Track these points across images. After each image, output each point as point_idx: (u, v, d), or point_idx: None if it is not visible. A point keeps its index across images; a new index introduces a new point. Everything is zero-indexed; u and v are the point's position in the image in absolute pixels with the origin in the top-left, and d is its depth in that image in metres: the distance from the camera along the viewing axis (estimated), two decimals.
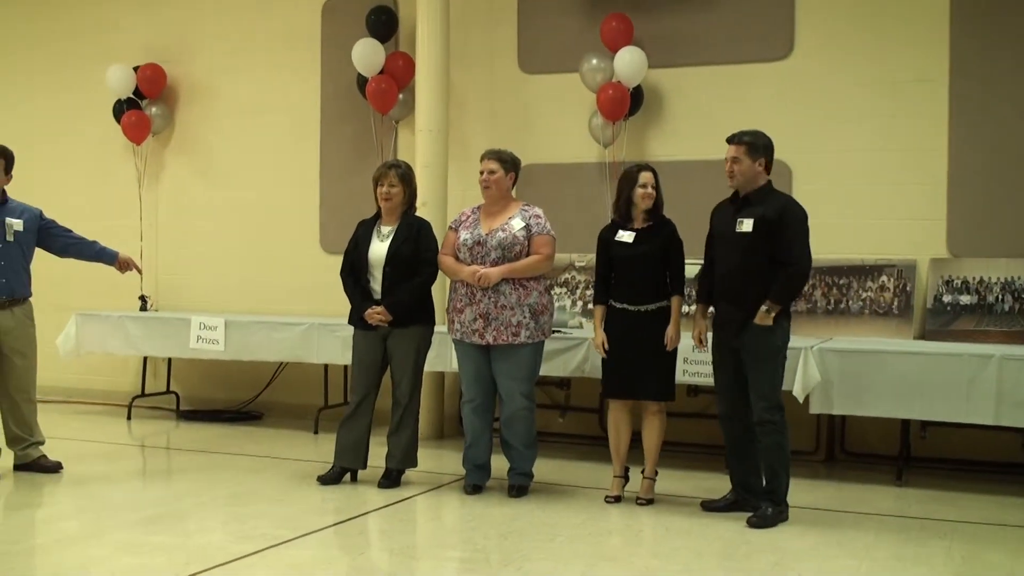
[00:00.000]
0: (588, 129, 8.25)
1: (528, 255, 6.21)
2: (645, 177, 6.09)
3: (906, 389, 6.43)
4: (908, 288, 7.44)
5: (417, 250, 6.34)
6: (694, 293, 6.38)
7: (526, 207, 6.36)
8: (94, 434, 8.46)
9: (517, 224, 6.24)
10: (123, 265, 7.03)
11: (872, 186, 7.67)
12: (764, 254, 5.64)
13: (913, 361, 6.47)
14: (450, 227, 6.52)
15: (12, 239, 6.64)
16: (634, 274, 6.08)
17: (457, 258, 6.32)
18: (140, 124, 9.69)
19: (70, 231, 6.98)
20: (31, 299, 6.80)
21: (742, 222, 5.70)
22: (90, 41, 10.14)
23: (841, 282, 7.60)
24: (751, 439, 5.85)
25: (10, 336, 6.64)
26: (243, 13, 9.67)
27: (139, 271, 7.34)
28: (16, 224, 6.67)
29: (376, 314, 6.30)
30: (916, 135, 7.57)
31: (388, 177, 6.42)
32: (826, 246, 7.09)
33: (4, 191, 6.72)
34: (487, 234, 6.25)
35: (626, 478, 6.26)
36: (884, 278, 7.52)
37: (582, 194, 8.19)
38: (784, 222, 5.64)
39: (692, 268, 6.40)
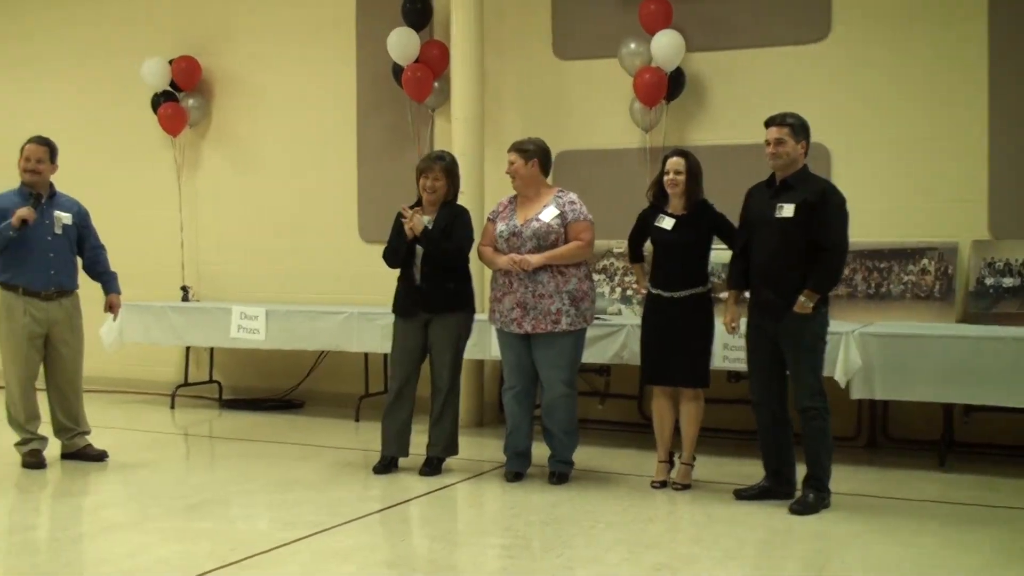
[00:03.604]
0: (629, 114, 8.21)
1: (565, 242, 6.20)
2: (670, 163, 6.09)
3: (948, 373, 6.37)
4: (950, 271, 7.37)
5: (451, 238, 6.34)
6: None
7: (560, 194, 6.34)
8: (138, 423, 8.56)
9: (551, 212, 6.23)
10: (110, 304, 7.07)
11: (912, 168, 7.59)
12: (804, 239, 5.59)
13: (955, 345, 6.41)
14: (488, 219, 6.53)
15: (61, 232, 6.72)
16: (670, 260, 6.09)
17: (496, 249, 6.34)
18: (177, 116, 9.76)
19: (100, 243, 7.05)
20: (78, 291, 6.87)
21: (782, 207, 5.65)
22: (126, 34, 10.20)
23: (882, 266, 7.54)
24: (783, 425, 5.83)
25: (58, 327, 6.72)
26: (277, 3, 9.69)
27: (114, 318, 7.56)
28: (65, 217, 6.75)
29: (415, 216, 6.27)
30: (956, 116, 7.48)
31: (433, 171, 6.41)
32: (866, 229, 7.03)
33: (52, 184, 6.79)
34: (522, 224, 6.24)
35: (671, 464, 6.27)
36: (925, 261, 7.45)
37: (621, 180, 8.15)
38: (824, 206, 5.59)
39: (724, 254, 6.36)
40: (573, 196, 6.34)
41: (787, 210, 5.62)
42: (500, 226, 6.33)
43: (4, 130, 9.27)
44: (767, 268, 5.72)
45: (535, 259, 6.12)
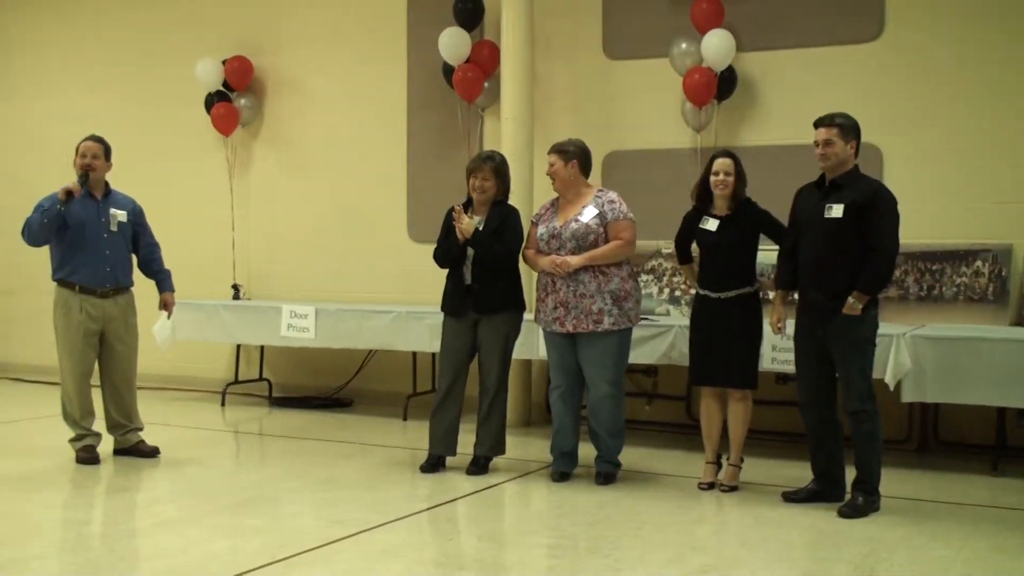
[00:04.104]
0: (681, 114, 8.19)
1: (606, 242, 6.19)
2: (719, 164, 6.07)
3: (1002, 377, 6.27)
4: (1003, 273, 7.27)
5: (502, 239, 6.36)
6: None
7: (600, 193, 6.33)
8: (189, 420, 8.65)
9: (590, 213, 6.22)
10: (164, 303, 7.13)
11: (966, 169, 7.50)
12: (853, 240, 5.54)
13: (1009, 348, 6.32)
14: (532, 222, 6.54)
15: (116, 229, 6.80)
16: (716, 261, 6.07)
17: (538, 252, 6.34)
18: (229, 116, 9.86)
19: (154, 240, 7.12)
20: (133, 288, 6.96)
21: (831, 207, 5.60)
22: (180, 35, 10.34)
23: (934, 268, 7.45)
24: (832, 428, 5.79)
25: (114, 324, 6.80)
26: (329, 4, 9.76)
27: (168, 316, 7.50)
28: (120, 215, 6.84)
29: (465, 219, 6.30)
30: (1010, 116, 7.38)
31: (483, 171, 6.43)
32: (919, 231, 6.97)
33: (107, 183, 6.89)
34: (561, 226, 6.25)
35: (719, 465, 6.25)
36: (979, 263, 7.36)
37: (671, 180, 8.12)
38: (875, 207, 5.53)
39: (770, 255, 6.31)
40: (613, 195, 6.33)
41: (836, 211, 5.57)
42: (541, 229, 6.34)
43: (63, 132, 9.39)
44: (815, 269, 5.67)
45: (575, 260, 6.12)
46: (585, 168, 6.38)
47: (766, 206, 6.10)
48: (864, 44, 7.80)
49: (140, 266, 7.09)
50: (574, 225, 6.20)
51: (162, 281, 7.13)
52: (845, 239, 5.55)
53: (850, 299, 5.50)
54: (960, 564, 4.82)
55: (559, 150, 6.34)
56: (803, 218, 5.78)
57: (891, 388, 6.44)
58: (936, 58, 7.61)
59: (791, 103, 7.92)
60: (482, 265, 6.35)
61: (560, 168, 6.31)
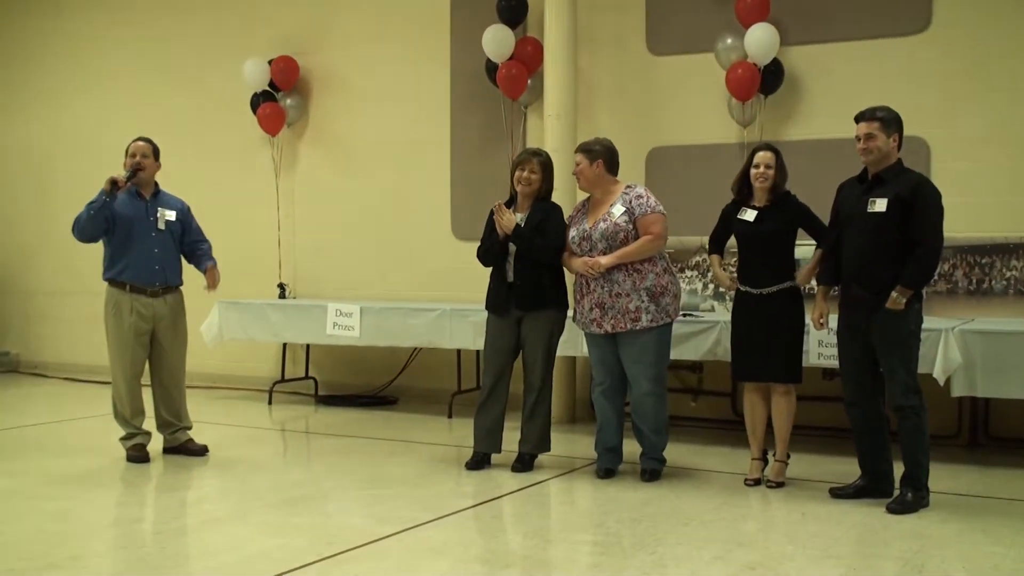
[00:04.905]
0: (727, 109, 8.15)
1: (637, 238, 6.16)
2: (760, 157, 6.05)
3: None
4: None
5: (544, 235, 6.36)
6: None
7: (628, 189, 6.29)
8: (237, 418, 8.73)
9: (618, 211, 6.18)
10: (210, 275, 7.00)
11: (1014, 161, 7.41)
12: (897, 235, 5.48)
13: None
14: (566, 225, 6.50)
15: (165, 228, 6.86)
16: (755, 253, 6.05)
17: (572, 253, 6.34)
18: (275, 116, 9.94)
19: (205, 239, 7.13)
20: (182, 287, 7.01)
21: (874, 202, 5.55)
22: (227, 36, 10.45)
23: (983, 261, 7.37)
24: (878, 424, 5.74)
25: (164, 324, 6.86)
26: (373, 3, 9.82)
27: (211, 287, 7.10)
28: (169, 215, 6.90)
29: (507, 214, 6.30)
30: None
31: (530, 164, 6.44)
32: (967, 224, 6.90)
33: (156, 183, 6.96)
34: (591, 227, 6.23)
35: (765, 461, 6.22)
36: None
37: (716, 175, 8.03)
38: (919, 201, 5.47)
39: (808, 250, 6.25)
40: (640, 190, 6.30)
41: (879, 205, 5.52)
42: (572, 231, 6.33)
43: (112, 134, 9.52)
44: (859, 264, 5.62)
45: (605, 260, 6.10)
46: (611, 167, 6.35)
47: (813, 201, 6.06)
48: (911, 37, 7.72)
49: (186, 257, 7.08)
50: (603, 225, 6.18)
51: (203, 256, 7.03)
52: (888, 233, 5.50)
53: (893, 294, 5.44)
54: (1011, 561, 4.76)
55: (585, 149, 6.34)
56: (845, 213, 5.72)
57: (941, 383, 6.37)
58: (983, 51, 7.52)
59: (837, 97, 7.84)
60: (524, 261, 6.36)
61: (586, 167, 6.30)
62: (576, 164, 6.34)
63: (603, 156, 6.31)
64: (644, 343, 6.15)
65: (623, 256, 6.11)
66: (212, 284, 7.04)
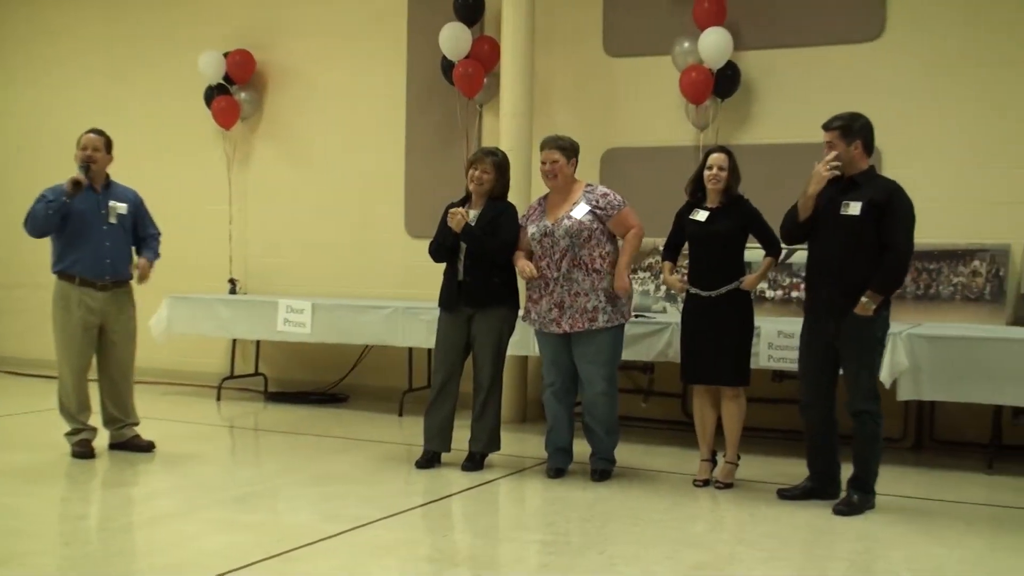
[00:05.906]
0: (684, 112, 8.18)
1: (604, 236, 6.17)
2: (713, 159, 6.09)
3: (998, 375, 6.29)
4: (1001, 273, 7.28)
5: (497, 233, 6.36)
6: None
7: (589, 189, 6.31)
8: (185, 415, 8.64)
9: (582, 209, 6.19)
10: (141, 267, 6.79)
11: (964, 169, 7.51)
12: (869, 239, 5.51)
13: (1005, 347, 6.34)
14: (519, 225, 6.48)
15: (116, 221, 6.77)
16: (707, 254, 6.08)
17: (531, 254, 6.32)
18: (229, 109, 9.85)
19: (155, 229, 7.03)
20: (132, 282, 6.90)
21: (848, 204, 5.56)
22: (182, 27, 10.33)
23: (931, 267, 7.46)
24: (831, 428, 5.78)
25: (112, 318, 6.78)
26: None
27: (138, 280, 6.86)
28: (120, 207, 6.81)
29: (458, 214, 6.29)
30: (1009, 117, 7.39)
31: (483, 163, 6.43)
32: (917, 230, 6.90)
33: (108, 175, 6.86)
34: (553, 224, 6.22)
35: (713, 462, 6.25)
36: (976, 263, 7.37)
37: (672, 177, 8.05)
38: (892, 207, 5.50)
39: (754, 253, 6.29)
40: (603, 189, 6.32)
41: (854, 208, 5.53)
42: (532, 228, 6.31)
43: (62, 125, 9.40)
44: (830, 265, 5.62)
45: (625, 282, 6.13)
46: (576, 165, 6.38)
47: (765, 205, 6.09)
48: (865, 44, 7.80)
49: (137, 249, 6.96)
50: (567, 222, 6.17)
51: (147, 248, 6.91)
52: (860, 237, 5.51)
53: (863, 299, 5.47)
54: (955, 562, 4.83)
55: (560, 146, 6.29)
56: (817, 214, 5.71)
57: (887, 386, 6.44)
58: (936, 58, 7.62)
59: (792, 102, 7.93)
60: (474, 259, 6.35)
61: (563, 165, 6.28)
62: (552, 162, 6.27)
63: (576, 154, 6.34)
64: (600, 343, 6.16)
65: (627, 264, 6.16)
66: (140, 277, 6.80)
